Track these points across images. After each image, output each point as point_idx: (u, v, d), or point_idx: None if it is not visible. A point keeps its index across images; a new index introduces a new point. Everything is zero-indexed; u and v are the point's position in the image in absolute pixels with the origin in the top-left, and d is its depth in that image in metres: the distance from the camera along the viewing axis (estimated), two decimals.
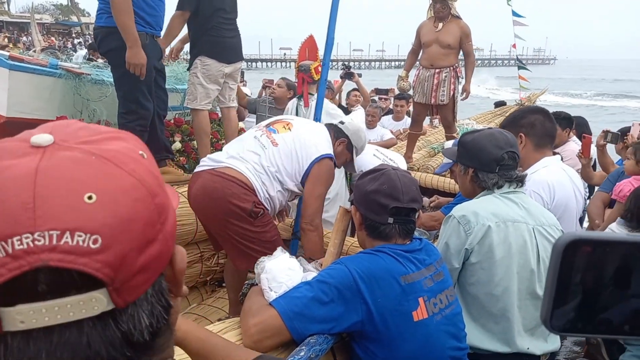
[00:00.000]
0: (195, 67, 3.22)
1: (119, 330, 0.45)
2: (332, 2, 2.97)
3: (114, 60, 2.76)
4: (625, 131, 3.72)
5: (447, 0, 4.49)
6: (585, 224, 3.55)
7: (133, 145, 0.50)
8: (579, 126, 4.81)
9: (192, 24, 3.15)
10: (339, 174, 3.18)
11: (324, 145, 2.35)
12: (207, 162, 2.34)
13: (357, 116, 3.48)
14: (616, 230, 2.30)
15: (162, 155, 3.18)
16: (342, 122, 2.55)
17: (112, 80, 3.22)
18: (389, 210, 1.46)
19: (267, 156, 2.27)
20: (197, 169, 2.38)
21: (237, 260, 2.29)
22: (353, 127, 2.56)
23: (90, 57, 6.43)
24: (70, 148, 0.45)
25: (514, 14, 5.98)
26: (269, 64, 76.91)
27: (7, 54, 3.12)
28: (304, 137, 2.33)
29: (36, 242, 0.41)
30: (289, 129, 2.38)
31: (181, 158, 3.71)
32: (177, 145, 3.67)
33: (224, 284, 3.40)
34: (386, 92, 8.10)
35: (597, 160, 3.90)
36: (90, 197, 0.43)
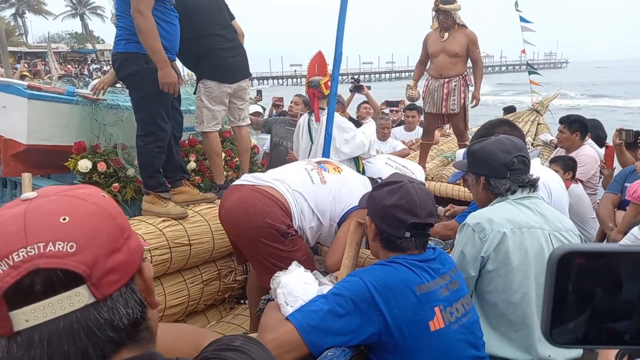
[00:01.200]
0: (199, 91, 3.28)
1: (102, 318, 0.59)
2: (338, 18, 3.03)
3: (132, 84, 2.83)
4: (638, 134, 3.69)
5: (450, 11, 4.52)
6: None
7: (95, 190, 0.69)
8: (594, 129, 4.76)
9: (188, 49, 3.19)
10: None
11: (356, 197, 2.35)
12: (249, 179, 2.41)
13: (369, 128, 3.49)
14: (639, 235, 2.26)
15: (178, 176, 3.22)
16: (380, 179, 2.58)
17: (127, 104, 3.30)
18: (407, 225, 1.47)
19: (315, 191, 2.32)
20: (237, 182, 2.45)
21: (263, 276, 2.28)
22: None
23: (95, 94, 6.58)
24: (49, 195, 0.64)
25: (522, 19, 5.99)
26: (280, 80, 77.61)
27: (26, 83, 3.21)
28: (351, 184, 2.41)
29: (29, 253, 0.57)
30: (339, 172, 2.46)
31: (196, 177, 3.76)
32: (192, 165, 3.73)
33: (242, 301, 3.41)
34: (396, 104, 8.12)
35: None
36: (64, 219, 0.60)
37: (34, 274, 0.56)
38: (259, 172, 4.36)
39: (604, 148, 4.35)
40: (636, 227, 2.31)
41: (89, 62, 39.50)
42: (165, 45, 2.76)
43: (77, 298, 0.58)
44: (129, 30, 2.74)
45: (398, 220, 1.47)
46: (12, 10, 56.67)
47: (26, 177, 2.41)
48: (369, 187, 2.42)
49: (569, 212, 2.55)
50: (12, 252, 0.57)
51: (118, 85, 3.29)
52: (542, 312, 0.38)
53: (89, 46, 48.80)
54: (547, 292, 0.38)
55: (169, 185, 3.09)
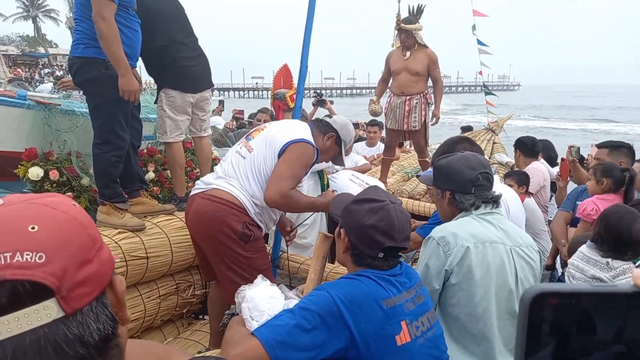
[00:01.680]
0: (160, 101, 3.19)
1: (71, 334, 0.55)
2: (304, 32, 3.04)
3: (90, 90, 2.73)
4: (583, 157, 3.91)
5: (411, 31, 4.64)
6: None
7: (65, 198, 0.64)
8: (545, 149, 5.00)
9: (150, 57, 3.12)
10: None
11: (301, 133, 2.40)
12: (199, 185, 2.45)
13: None
14: (587, 253, 2.36)
15: (136, 186, 3.12)
16: (329, 116, 2.60)
17: (82, 110, 3.17)
18: (382, 248, 1.46)
19: (248, 164, 2.36)
20: (192, 192, 2.48)
21: (228, 287, 2.29)
22: (341, 120, 2.64)
23: (56, 90, 6.32)
24: (15, 203, 0.60)
25: (479, 42, 6.24)
26: (242, 92, 77.19)
27: None
28: (276, 131, 2.42)
29: None
30: (262, 130, 2.47)
31: (155, 188, 3.64)
32: (150, 175, 3.61)
33: (200, 317, 3.31)
34: (356, 125, 8.23)
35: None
36: (33, 228, 0.56)
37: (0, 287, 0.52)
38: None
39: (556, 167, 4.56)
40: (584, 246, 2.41)
41: (40, 66, 37.95)
42: (127, 51, 2.69)
43: (45, 312, 0.54)
44: (87, 34, 2.65)
45: (375, 241, 1.46)
46: None
47: None
48: (303, 126, 2.47)
49: (525, 225, 2.65)
50: None
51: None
52: (515, 349, 0.39)
53: (41, 50, 46.95)
54: (519, 331, 0.38)
55: (126, 196, 2.98)
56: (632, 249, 2.23)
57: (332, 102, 6.17)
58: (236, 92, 76.39)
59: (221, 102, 9.16)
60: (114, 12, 2.56)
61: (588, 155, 3.75)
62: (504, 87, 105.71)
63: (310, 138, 2.41)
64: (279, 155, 2.33)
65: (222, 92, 72.49)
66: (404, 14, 4.75)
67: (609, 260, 2.24)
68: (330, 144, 2.56)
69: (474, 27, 5.93)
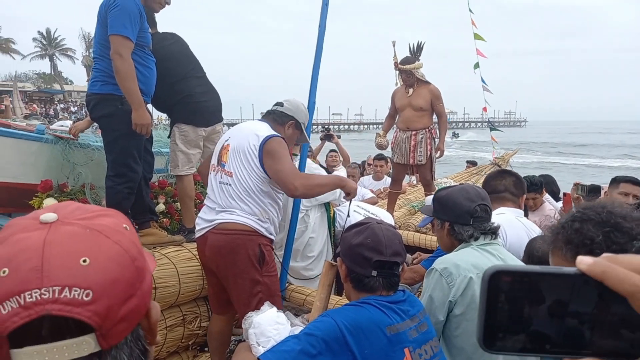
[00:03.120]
0: (173, 135, 3.30)
1: None
2: (312, 70, 3.16)
3: (106, 125, 2.85)
4: (594, 189, 3.90)
5: (410, 70, 4.81)
6: None
7: (118, 220, 0.64)
8: (548, 184, 5.03)
9: (162, 93, 3.23)
10: (323, 230, 3.24)
11: (263, 131, 2.48)
12: (202, 223, 2.53)
13: (339, 176, 3.57)
14: None
15: (147, 217, 3.19)
16: (280, 104, 2.69)
17: (97, 144, 3.29)
18: (372, 263, 1.51)
19: (235, 188, 2.43)
20: (197, 233, 2.56)
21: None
22: (292, 105, 2.72)
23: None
24: (71, 224, 0.59)
25: (482, 80, 6.40)
26: None
27: None
28: (241, 141, 2.48)
29: (42, 296, 0.53)
30: (228, 150, 2.53)
31: (164, 220, 3.71)
32: (160, 207, 3.69)
33: (206, 349, 3.30)
34: (363, 164, 8.31)
35: None
36: (84, 261, 0.56)
37: (43, 318, 0.53)
38: None
39: (560, 202, 4.57)
40: None
41: (55, 102, 38.94)
42: (142, 88, 2.81)
43: (83, 346, 0.55)
44: (105, 72, 2.78)
45: (364, 258, 1.52)
46: None
47: None
48: (261, 125, 2.55)
49: None
50: (25, 291, 0.54)
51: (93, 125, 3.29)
52: (477, 321, 0.45)
53: (57, 86, 48.26)
54: (481, 305, 0.44)
55: (137, 227, 3.05)
56: None
57: (339, 137, 6.29)
58: None
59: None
60: (131, 51, 2.70)
61: (603, 192, 3.74)
62: (511, 123, 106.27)
63: (271, 132, 2.50)
64: (261, 159, 2.40)
65: (231, 127, 73.34)
66: (400, 55, 4.91)
67: None
68: (291, 131, 2.68)
69: (476, 65, 6.09)
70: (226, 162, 2.50)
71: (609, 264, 0.41)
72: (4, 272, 0.55)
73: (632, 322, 0.41)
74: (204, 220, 2.52)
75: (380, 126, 5.46)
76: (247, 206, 2.42)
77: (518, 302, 0.43)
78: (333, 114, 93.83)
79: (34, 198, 3.03)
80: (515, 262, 1.89)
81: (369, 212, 3.38)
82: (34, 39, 64.41)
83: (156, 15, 3.19)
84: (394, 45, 4.93)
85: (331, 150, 6.68)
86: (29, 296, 0.53)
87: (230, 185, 2.45)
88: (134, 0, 2.71)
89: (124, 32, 2.64)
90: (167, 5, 3.03)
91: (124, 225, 0.65)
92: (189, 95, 3.27)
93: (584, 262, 0.42)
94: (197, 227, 2.57)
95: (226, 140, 2.58)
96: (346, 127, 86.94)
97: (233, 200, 2.43)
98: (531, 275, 0.44)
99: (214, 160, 2.63)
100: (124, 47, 2.66)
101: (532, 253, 2.34)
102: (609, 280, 0.40)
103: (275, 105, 2.74)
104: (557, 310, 0.43)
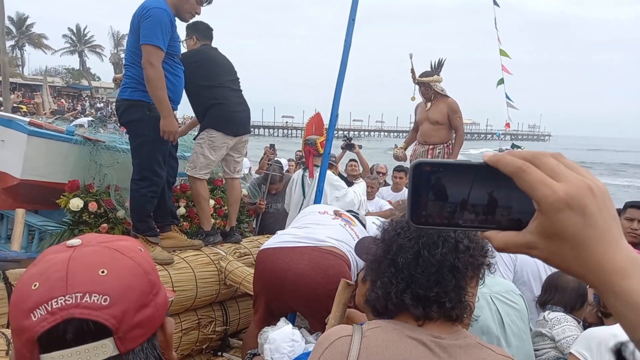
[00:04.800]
0: (201, 138, 3.36)
1: None
2: (336, 83, 3.20)
3: (134, 130, 2.93)
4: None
5: (428, 83, 4.82)
6: None
7: (134, 243, 0.74)
8: None
9: (201, 95, 3.32)
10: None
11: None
12: (302, 240, 2.46)
13: (360, 188, 3.60)
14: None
15: (168, 221, 3.25)
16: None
17: (123, 146, 3.38)
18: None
19: (352, 241, 2.48)
20: (286, 243, 2.47)
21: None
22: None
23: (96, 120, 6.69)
24: (92, 245, 0.69)
25: (507, 96, 6.34)
26: (272, 130, 78.76)
27: (27, 120, 3.28)
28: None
29: (67, 301, 0.62)
30: (355, 224, 2.70)
31: (184, 223, 3.78)
32: (181, 210, 3.75)
33: (219, 353, 3.35)
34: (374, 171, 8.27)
35: None
36: (103, 272, 0.65)
37: (68, 322, 0.61)
38: (247, 221, 4.40)
39: None
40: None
41: (83, 97, 39.81)
42: (170, 96, 2.89)
43: (103, 349, 0.62)
44: (135, 79, 2.87)
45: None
46: (12, 42, 57.49)
47: (19, 213, 2.43)
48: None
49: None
50: (52, 299, 0.61)
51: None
52: (407, 203, 0.54)
53: (85, 82, 49.36)
54: (409, 189, 0.53)
55: (158, 230, 3.11)
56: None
57: (360, 147, 6.29)
58: (266, 130, 78.04)
59: (272, 146, 8.63)
60: (161, 59, 2.78)
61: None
62: (534, 137, 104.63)
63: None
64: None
65: (253, 129, 74.03)
66: (418, 67, 4.94)
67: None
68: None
69: (500, 81, 6.04)
70: (354, 226, 2.68)
71: (503, 154, 0.51)
72: (35, 285, 0.64)
73: (518, 199, 0.51)
74: (310, 238, 2.45)
75: (400, 134, 5.49)
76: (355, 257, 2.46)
77: (436, 187, 0.53)
78: (354, 120, 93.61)
79: (61, 197, 3.12)
80: (495, 282, 1.90)
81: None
82: (64, 36, 66.09)
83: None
84: (411, 58, 4.95)
85: (351, 160, 6.69)
86: (55, 303, 0.61)
87: (354, 240, 2.50)
88: (165, 11, 2.79)
89: (155, 41, 2.72)
90: (197, 15, 3.10)
91: (139, 248, 0.73)
92: (223, 103, 3.34)
93: (486, 155, 0.51)
94: (286, 239, 2.53)
95: (353, 218, 2.82)
96: (367, 133, 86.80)
97: (348, 245, 2.48)
98: (446, 166, 0.53)
99: (340, 212, 2.81)
100: (155, 57, 2.73)
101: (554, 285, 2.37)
102: (500, 164, 0.49)
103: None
104: (465, 193, 0.52)
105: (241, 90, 3.52)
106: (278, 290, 2.37)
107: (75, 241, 0.70)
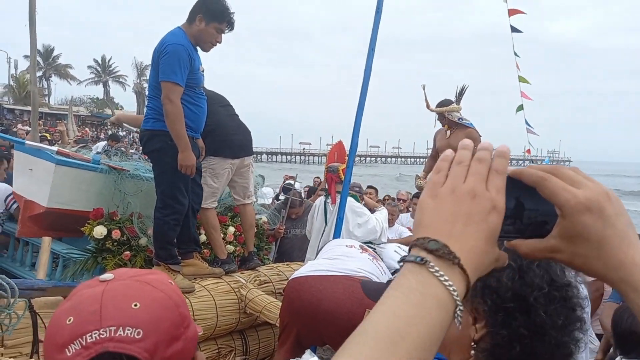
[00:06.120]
0: (203, 168, 3.35)
1: None
2: (356, 111, 3.23)
3: (156, 159, 3.00)
4: None
5: (443, 113, 4.84)
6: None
7: (164, 276, 0.76)
8: None
9: None
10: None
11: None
12: (336, 270, 2.40)
13: (381, 215, 3.59)
14: None
15: (190, 248, 3.27)
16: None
17: (147, 175, 3.44)
18: None
19: (386, 280, 2.47)
20: (320, 272, 2.41)
21: None
22: None
23: (109, 147, 6.84)
24: (124, 279, 0.71)
25: (527, 123, 6.30)
26: (289, 157, 79.37)
27: (55, 149, 3.37)
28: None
29: (101, 335, 0.63)
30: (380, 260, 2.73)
31: (205, 250, 3.79)
32: (202, 237, 3.77)
33: None
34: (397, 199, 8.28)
35: None
36: (135, 305, 0.66)
37: (102, 356, 0.62)
38: (266, 248, 4.39)
39: None
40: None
41: (107, 126, 40.78)
42: (191, 125, 2.95)
43: None
44: (157, 110, 2.95)
45: None
46: (40, 73, 59.62)
47: (46, 241, 2.47)
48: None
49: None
50: (87, 333, 0.63)
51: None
52: None
53: (108, 111, 50.66)
54: None
55: (180, 258, 3.13)
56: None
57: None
58: (284, 156, 78.69)
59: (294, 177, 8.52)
60: (180, 95, 2.86)
61: None
62: (554, 162, 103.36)
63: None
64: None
65: (270, 156, 74.82)
66: (434, 96, 4.98)
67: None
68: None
69: (519, 108, 6.01)
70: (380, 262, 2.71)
71: (525, 167, 0.55)
72: (69, 320, 0.65)
73: (540, 208, 0.54)
74: (347, 269, 2.42)
75: (418, 160, 5.47)
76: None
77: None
78: (370, 146, 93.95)
79: (86, 225, 3.17)
80: None
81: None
82: (89, 67, 68.34)
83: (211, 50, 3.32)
84: (423, 89, 4.99)
85: (368, 187, 6.70)
86: (90, 337, 0.62)
87: (384, 275, 2.54)
88: (183, 45, 2.86)
89: (173, 78, 2.81)
90: (218, 44, 3.16)
91: (169, 281, 0.76)
92: (218, 129, 3.35)
93: (510, 168, 0.54)
94: (315, 268, 2.49)
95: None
96: (383, 159, 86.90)
97: (376, 278, 2.49)
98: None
99: (366, 248, 2.84)
100: (174, 92, 2.82)
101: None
102: (523, 175, 0.53)
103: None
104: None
105: (237, 115, 3.56)
106: (312, 319, 2.28)
107: (107, 276, 0.72)
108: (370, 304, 2.18)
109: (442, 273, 0.46)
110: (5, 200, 3.63)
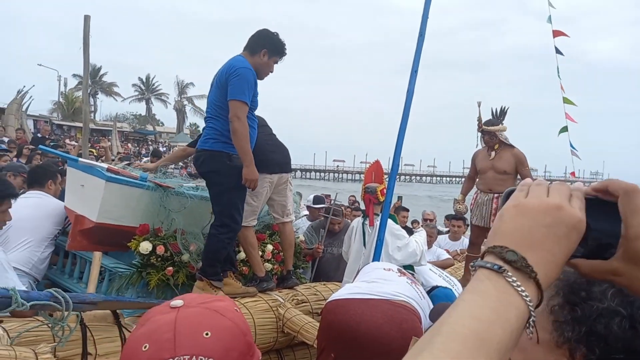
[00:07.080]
0: None
1: None
2: (398, 132, 3.23)
3: (213, 179, 3.12)
4: None
5: (494, 132, 4.73)
6: None
7: (230, 303, 0.80)
8: None
9: None
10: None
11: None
12: (374, 293, 2.39)
13: (421, 237, 3.55)
14: None
15: (226, 267, 3.31)
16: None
17: (191, 192, 3.54)
18: None
19: (425, 304, 2.50)
20: (358, 295, 2.40)
21: None
22: None
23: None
24: (194, 306, 0.74)
25: (571, 145, 6.12)
26: (322, 174, 79.59)
27: (106, 166, 3.51)
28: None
29: None
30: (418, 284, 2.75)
31: (244, 268, 3.83)
32: (241, 255, 3.82)
33: None
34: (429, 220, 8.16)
35: None
36: (207, 334, 0.69)
37: None
38: (303, 266, 4.40)
39: None
40: None
41: (149, 142, 42.19)
42: None
43: None
44: (218, 131, 3.06)
45: None
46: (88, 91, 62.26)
47: (97, 256, 2.57)
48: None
49: None
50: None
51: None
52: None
53: (149, 127, 52.43)
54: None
55: (222, 276, 3.19)
56: None
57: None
58: (317, 173, 78.97)
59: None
60: (246, 114, 2.99)
61: None
62: None
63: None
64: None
65: (304, 172, 75.30)
66: (485, 116, 4.86)
67: None
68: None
69: (563, 129, 5.84)
70: (418, 286, 2.72)
71: (612, 180, 0.55)
72: (145, 347, 0.67)
73: (605, 231, 0.54)
74: (385, 292, 2.40)
75: (454, 179, 5.38)
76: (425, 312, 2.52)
77: None
78: (405, 165, 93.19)
79: (132, 240, 3.28)
80: None
81: (443, 274, 3.34)
82: (134, 85, 71.03)
83: None
84: (479, 106, 4.90)
85: (403, 209, 6.69)
86: None
87: (423, 299, 2.56)
88: (250, 70, 3.03)
89: (242, 97, 2.94)
90: (271, 73, 3.30)
91: (235, 308, 0.79)
92: (256, 147, 3.34)
93: (592, 185, 0.55)
94: (353, 290, 2.48)
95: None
96: (418, 178, 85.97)
97: (415, 302, 2.49)
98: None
99: (404, 271, 2.89)
100: (242, 111, 2.94)
101: None
102: (611, 186, 0.53)
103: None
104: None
105: (274, 135, 3.65)
106: (349, 343, 2.25)
107: (177, 302, 0.75)
108: (408, 328, 2.14)
109: (519, 284, 0.47)
110: (65, 220, 3.83)
